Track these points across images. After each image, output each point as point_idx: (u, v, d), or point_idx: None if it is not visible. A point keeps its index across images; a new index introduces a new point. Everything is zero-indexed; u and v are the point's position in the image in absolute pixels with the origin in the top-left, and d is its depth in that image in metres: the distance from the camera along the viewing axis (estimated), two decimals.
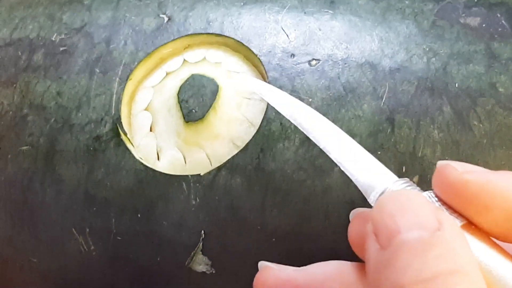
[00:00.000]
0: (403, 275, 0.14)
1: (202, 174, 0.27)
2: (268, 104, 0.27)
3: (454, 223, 0.16)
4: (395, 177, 0.19)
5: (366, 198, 0.19)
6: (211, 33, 0.30)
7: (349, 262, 0.20)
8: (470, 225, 0.17)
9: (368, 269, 0.16)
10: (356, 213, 0.21)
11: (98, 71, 0.31)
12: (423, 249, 0.14)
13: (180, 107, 0.29)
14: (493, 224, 0.17)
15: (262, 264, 0.20)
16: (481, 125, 0.26)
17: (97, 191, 0.29)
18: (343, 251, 0.26)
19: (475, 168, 0.17)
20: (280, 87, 0.28)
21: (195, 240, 0.28)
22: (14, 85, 0.32)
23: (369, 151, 0.26)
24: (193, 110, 0.29)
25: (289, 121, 0.27)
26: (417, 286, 0.14)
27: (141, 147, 0.30)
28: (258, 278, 0.20)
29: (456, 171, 0.17)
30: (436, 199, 0.18)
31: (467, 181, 0.17)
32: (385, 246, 0.15)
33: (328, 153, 0.21)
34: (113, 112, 0.30)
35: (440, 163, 0.18)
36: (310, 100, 0.27)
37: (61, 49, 0.32)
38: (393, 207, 0.16)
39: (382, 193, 0.18)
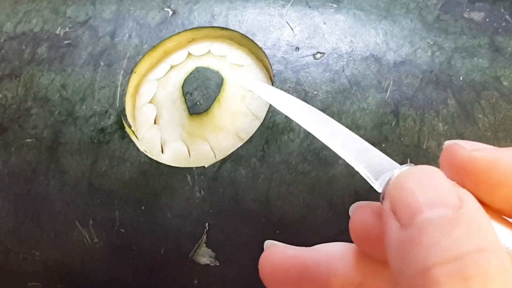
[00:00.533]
0: (431, 254, 0.14)
1: (206, 166, 0.28)
2: None
3: (474, 199, 0.15)
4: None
5: (372, 184, 0.19)
6: (216, 27, 0.30)
7: (353, 244, 0.20)
8: (481, 204, 0.17)
9: (389, 249, 0.15)
10: (357, 206, 0.20)
11: (102, 64, 0.31)
12: (449, 227, 0.14)
13: (185, 99, 0.29)
14: (504, 202, 0.16)
15: (268, 242, 0.20)
16: (485, 118, 0.26)
17: (101, 183, 0.29)
18: (347, 241, 0.26)
19: (484, 146, 0.17)
20: (285, 80, 0.28)
21: (199, 232, 0.28)
22: (18, 78, 0.32)
23: (373, 143, 0.26)
24: (198, 103, 0.29)
25: None
26: (447, 265, 0.13)
27: (145, 140, 0.30)
28: (265, 256, 0.19)
29: (464, 149, 0.17)
30: None
31: (476, 158, 0.16)
32: (407, 224, 0.15)
33: (333, 149, 0.20)
34: (118, 104, 0.30)
35: (447, 142, 0.18)
36: (315, 93, 0.27)
37: (65, 42, 0.32)
38: (413, 183, 0.15)
39: (390, 179, 0.18)
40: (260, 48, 0.29)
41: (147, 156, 0.28)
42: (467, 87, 0.27)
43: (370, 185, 0.25)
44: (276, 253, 0.19)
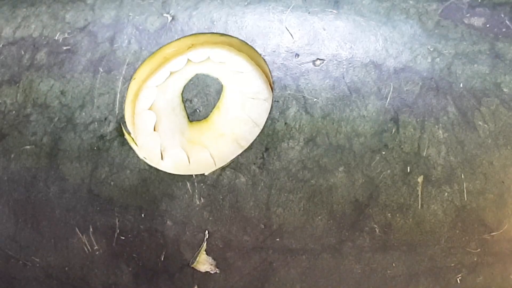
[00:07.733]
0: None
1: (206, 173, 0.27)
2: (272, 103, 0.27)
3: None
4: None
5: None
6: (215, 33, 0.30)
7: None
8: None
9: None
10: None
11: (101, 70, 0.30)
12: None
13: (184, 106, 0.29)
14: None
15: None
16: (485, 125, 0.26)
17: (100, 190, 0.29)
18: (348, 250, 0.26)
19: None
20: (285, 87, 0.28)
21: (199, 240, 0.27)
22: (17, 84, 0.32)
23: (373, 150, 0.26)
24: (197, 110, 0.29)
25: (293, 120, 0.27)
26: None
27: (144, 147, 0.29)
28: None
29: None
30: None
31: None
32: None
33: None
34: (117, 111, 0.29)
35: None
36: (315, 100, 0.27)
37: (64, 48, 0.32)
38: None
39: None
40: (260, 55, 0.29)
41: (146, 163, 0.28)
42: (467, 94, 0.27)
43: (370, 193, 0.25)
44: None
